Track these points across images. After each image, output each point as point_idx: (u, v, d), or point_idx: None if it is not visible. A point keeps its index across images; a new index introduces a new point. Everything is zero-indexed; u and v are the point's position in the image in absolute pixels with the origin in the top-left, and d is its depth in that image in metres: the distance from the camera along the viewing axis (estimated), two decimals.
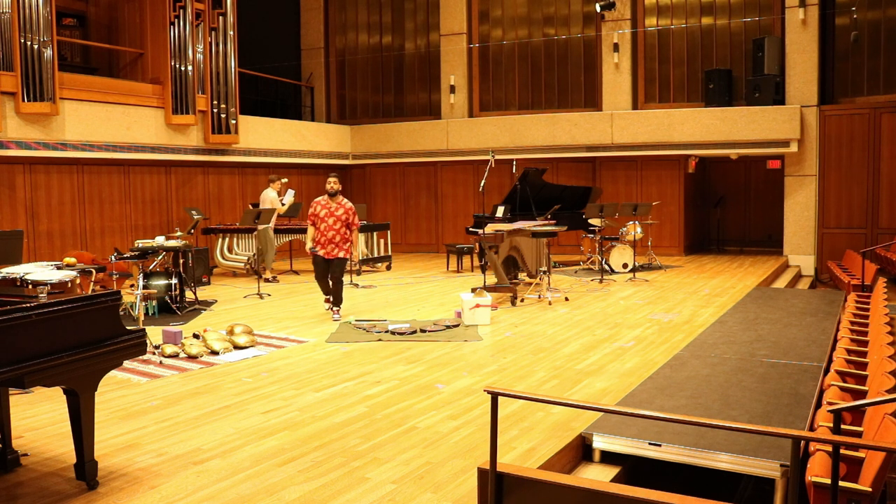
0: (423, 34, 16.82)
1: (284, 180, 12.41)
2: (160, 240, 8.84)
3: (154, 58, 12.19)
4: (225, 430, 4.59)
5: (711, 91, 14.13)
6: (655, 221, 13.81)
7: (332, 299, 8.40)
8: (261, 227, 11.05)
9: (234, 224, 12.79)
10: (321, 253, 8.22)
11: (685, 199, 14.79)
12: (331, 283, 8.32)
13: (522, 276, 10.88)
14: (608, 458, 4.37)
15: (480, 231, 9.73)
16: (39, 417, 4.84)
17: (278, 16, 17.12)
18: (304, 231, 12.30)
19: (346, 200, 8.32)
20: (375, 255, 13.12)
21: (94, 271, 7.43)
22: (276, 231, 12.27)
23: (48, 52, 10.07)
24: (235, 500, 3.60)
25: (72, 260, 7.12)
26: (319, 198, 8.37)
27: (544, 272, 9.85)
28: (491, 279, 9.76)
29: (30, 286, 4.14)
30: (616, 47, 14.77)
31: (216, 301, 9.67)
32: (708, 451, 4.08)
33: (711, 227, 16.54)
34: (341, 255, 8.24)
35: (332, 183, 8.24)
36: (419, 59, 16.90)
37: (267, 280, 11.64)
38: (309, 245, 8.39)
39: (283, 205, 12.09)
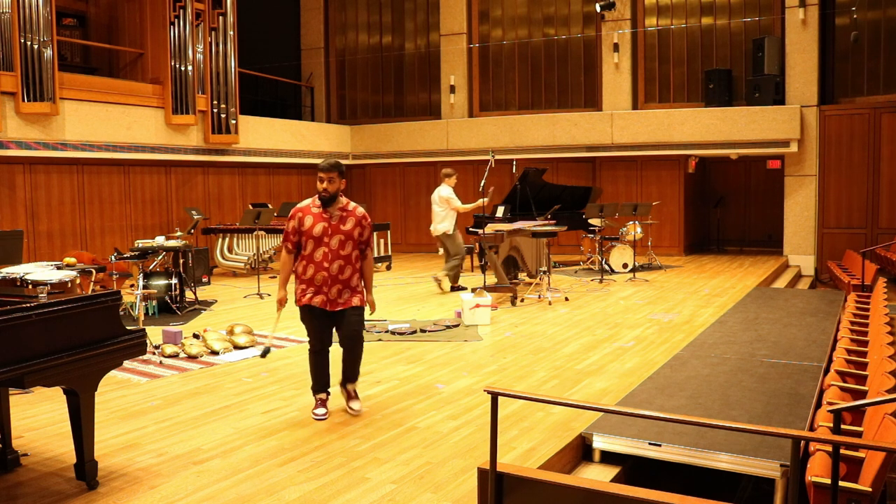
0: (423, 34, 16.82)
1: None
2: (160, 240, 8.84)
3: (154, 58, 12.19)
4: (225, 430, 4.59)
5: (711, 91, 14.13)
6: (655, 221, 13.81)
7: (343, 374, 5.01)
8: (445, 229, 9.88)
9: (234, 224, 12.79)
10: (316, 302, 4.80)
11: (685, 199, 14.79)
12: (343, 348, 4.94)
13: (522, 276, 10.88)
14: (608, 458, 4.37)
15: (480, 231, 9.73)
16: (39, 417, 4.84)
17: (278, 16, 17.12)
18: None
19: (353, 205, 4.92)
20: (375, 255, 13.12)
21: (94, 271, 7.43)
22: (274, 231, 12.24)
23: (48, 52, 10.07)
24: (235, 500, 3.60)
25: (72, 260, 7.12)
26: (304, 203, 4.90)
27: (544, 272, 9.85)
28: (491, 279, 9.75)
29: (30, 286, 4.14)
30: (616, 47, 14.77)
31: (216, 301, 9.67)
32: (708, 451, 4.08)
33: (711, 227, 16.54)
34: (356, 301, 4.89)
35: (327, 181, 4.74)
36: (419, 59, 16.90)
37: (456, 288, 9.94)
38: (280, 293, 5.01)
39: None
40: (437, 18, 16.43)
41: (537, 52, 15.80)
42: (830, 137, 13.57)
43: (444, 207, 10.04)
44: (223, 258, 12.45)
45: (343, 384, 5.06)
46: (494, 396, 3.33)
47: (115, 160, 11.71)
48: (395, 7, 17.07)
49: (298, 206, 4.90)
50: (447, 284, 10.30)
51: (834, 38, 13.75)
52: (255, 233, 11.33)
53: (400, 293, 10.41)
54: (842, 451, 3.40)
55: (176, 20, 12.15)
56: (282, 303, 5.07)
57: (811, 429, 4.40)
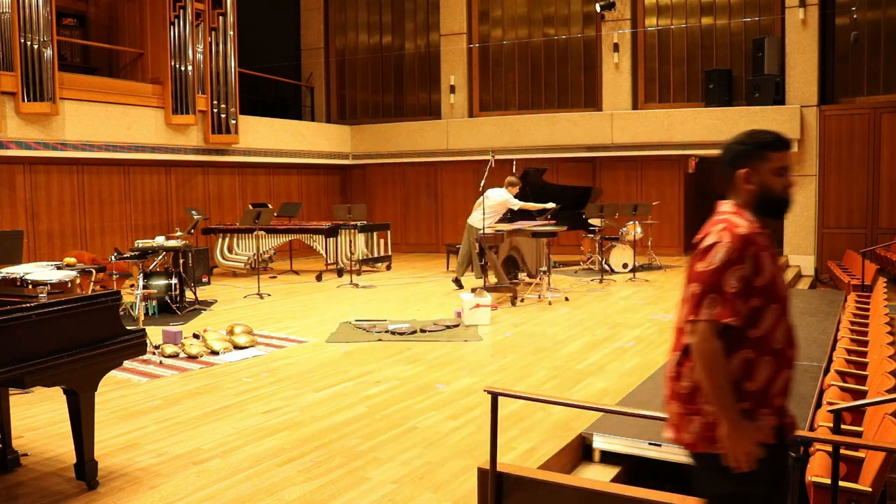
0: (423, 34, 16.82)
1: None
2: (160, 240, 8.84)
3: (154, 58, 12.19)
4: (225, 430, 4.59)
5: (711, 91, 14.12)
6: (655, 221, 13.80)
7: None
8: (480, 226, 9.61)
9: (234, 224, 12.79)
10: (787, 431, 2.26)
11: (685, 199, 14.78)
12: None
13: (522, 276, 10.87)
14: (608, 458, 4.37)
15: (480, 231, 9.73)
16: (39, 417, 4.84)
17: (278, 16, 17.12)
18: (305, 231, 12.30)
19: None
20: (375, 255, 13.12)
21: (94, 271, 7.43)
22: (274, 231, 12.23)
23: (48, 52, 10.07)
24: (235, 500, 3.60)
25: (72, 260, 7.11)
26: (739, 222, 2.30)
27: (544, 272, 9.85)
28: (491, 279, 9.75)
29: (30, 286, 4.15)
30: (616, 47, 14.76)
31: (216, 301, 9.67)
32: None
33: None
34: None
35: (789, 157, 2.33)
36: (419, 59, 16.89)
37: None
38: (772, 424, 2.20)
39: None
40: (437, 18, 16.42)
41: (537, 52, 15.80)
42: (830, 137, 13.56)
43: (497, 209, 10.17)
44: (223, 258, 12.46)
45: None
46: (494, 396, 3.33)
47: (115, 160, 11.70)
48: (395, 7, 17.06)
49: (736, 229, 2.29)
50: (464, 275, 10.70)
51: (834, 38, 13.74)
52: (255, 233, 11.33)
53: (400, 293, 10.41)
54: (842, 451, 3.40)
55: (176, 20, 12.15)
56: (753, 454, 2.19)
57: (811, 429, 4.40)
